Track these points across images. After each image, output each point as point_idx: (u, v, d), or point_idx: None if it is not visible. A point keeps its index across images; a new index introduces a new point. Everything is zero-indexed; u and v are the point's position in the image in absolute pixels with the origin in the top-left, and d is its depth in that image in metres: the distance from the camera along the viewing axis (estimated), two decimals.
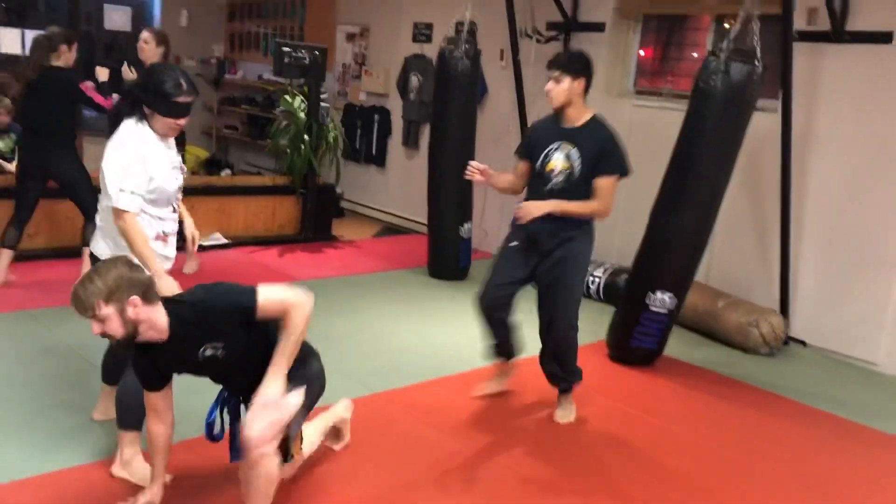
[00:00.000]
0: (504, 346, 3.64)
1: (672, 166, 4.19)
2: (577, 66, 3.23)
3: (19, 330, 4.11)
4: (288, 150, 6.77)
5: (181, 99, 2.74)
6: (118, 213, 2.66)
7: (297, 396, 2.38)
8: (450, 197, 5.74)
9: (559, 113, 3.33)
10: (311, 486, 2.86)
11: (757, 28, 3.93)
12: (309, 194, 6.80)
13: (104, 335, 2.27)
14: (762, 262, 5.16)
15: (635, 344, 4.35)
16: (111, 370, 3.03)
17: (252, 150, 9.37)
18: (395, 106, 7.66)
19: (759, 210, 5.16)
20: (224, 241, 6.27)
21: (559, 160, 3.28)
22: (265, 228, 6.65)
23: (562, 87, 3.23)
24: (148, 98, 2.74)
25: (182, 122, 2.80)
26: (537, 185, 3.36)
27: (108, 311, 2.21)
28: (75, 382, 3.52)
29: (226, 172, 8.66)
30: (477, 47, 5.50)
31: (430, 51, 7.08)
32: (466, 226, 5.81)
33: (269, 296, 2.35)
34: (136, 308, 2.23)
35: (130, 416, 2.72)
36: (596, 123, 3.33)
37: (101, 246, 2.84)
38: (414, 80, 7.28)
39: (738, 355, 4.76)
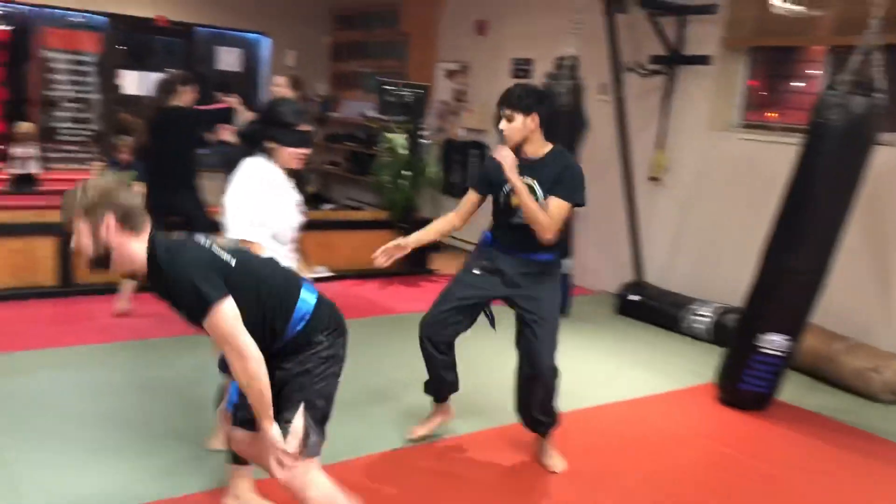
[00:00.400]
0: (438, 382, 3.41)
1: (786, 203, 4.02)
2: (528, 101, 3.07)
3: (138, 358, 4.30)
4: (389, 186, 6.89)
5: (304, 127, 2.82)
6: (247, 246, 2.70)
7: (297, 425, 2.28)
8: None
9: (517, 150, 3.16)
10: None
11: (879, 58, 3.76)
12: (408, 228, 6.89)
13: (77, 251, 2.15)
14: (883, 303, 4.88)
15: (745, 387, 4.18)
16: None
17: (353, 186, 9.58)
18: (493, 141, 7.71)
19: (880, 248, 4.90)
20: (329, 273, 6.41)
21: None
22: (366, 262, 6.71)
23: (515, 126, 3.09)
24: (271, 131, 2.79)
25: (306, 151, 2.85)
26: (502, 219, 3.24)
27: (82, 224, 2.11)
28: (191, 412, 3.64)
29: (328, 207, 8.89)
30: (579, 82, 5.49)
31: None
32: (566, 262, 5.75)
33: (219, 324, 2.12)
34: (109, 230, 2.11)
35: None
36: (556, 154, 3.17)
37: None
38: None
39: (857, 402, 4.50)
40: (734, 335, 4.35)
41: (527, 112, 3.07)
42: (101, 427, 3.44)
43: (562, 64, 5.51)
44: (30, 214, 5.43)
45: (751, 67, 5.94)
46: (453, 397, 3.51)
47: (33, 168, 7.28)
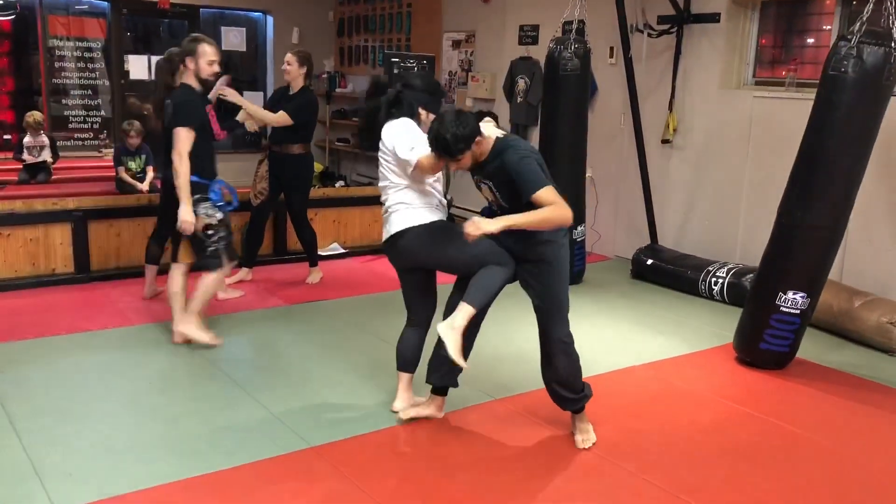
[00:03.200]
0: (444, 374, 3.38)
1: (801, 159, 3.98)
2: (462, 146, 2.97)
3: (159, 341, 4.33)
4: None
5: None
6: (413, 166, 3.15)
7: None
8: None
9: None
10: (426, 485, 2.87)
11: (892, 7, 3.68)
12: None
13: None
14: None
15: (765, 347, 4.15)
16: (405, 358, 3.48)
17: (363, 162, 9.56)
18: (502, 110, 7.64)
19: None
20: (342, 250, 6.41)
21: (487, 192, 3.18)
22: (380, 237, 6.74)
23: (464, 163, 3.05)
24: (430, 99, 3.30)
25: None
26: (490, 205, 3.26)
27: None
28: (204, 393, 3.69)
29: (340, 184, 8.86)
30: (586, 46, 5.41)
31: (537, 53, 7.03)
32: (580, 228, 5.72)
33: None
34: None
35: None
36: (495, 151, 3.07)
37: (422, 214, 3.29)
38: (520, 83, 7.24)
39: (879, 357, 4.47)
40: (752, 295, 4.32)
41: (465, 152, 3.00)
42: (123, 408, 3.48)
43: (569, 28, 5.45)
44: (44, 203, 5.46)
45: (761, 23, 5.84)
46: (473, 363, 3.48)
47: (45, 157, 7.30)
